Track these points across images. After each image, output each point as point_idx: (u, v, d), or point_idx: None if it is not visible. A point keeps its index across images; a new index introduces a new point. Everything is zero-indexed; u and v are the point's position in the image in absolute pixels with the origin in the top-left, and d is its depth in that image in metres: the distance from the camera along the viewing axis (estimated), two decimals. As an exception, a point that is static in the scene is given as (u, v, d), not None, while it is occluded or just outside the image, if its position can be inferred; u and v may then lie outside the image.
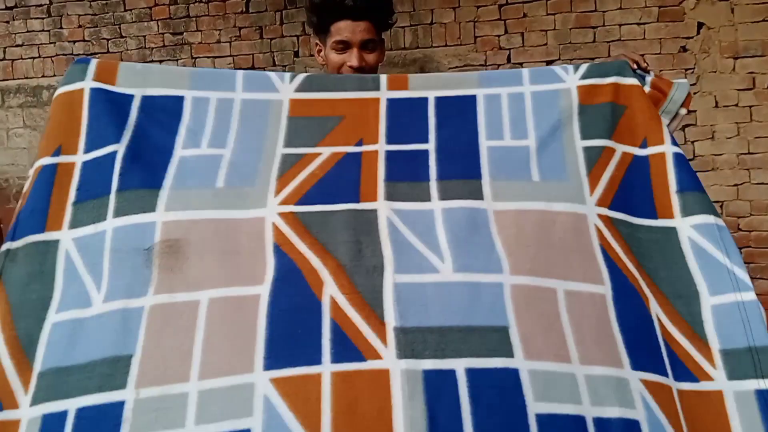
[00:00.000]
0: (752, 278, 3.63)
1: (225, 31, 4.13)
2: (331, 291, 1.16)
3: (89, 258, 1.23)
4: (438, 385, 1.06)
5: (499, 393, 1.08)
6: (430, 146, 1.39)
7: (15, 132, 4.49)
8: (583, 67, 1.50)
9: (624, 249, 1.27)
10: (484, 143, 1.40)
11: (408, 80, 1.49)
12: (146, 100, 1.42)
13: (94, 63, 1.44)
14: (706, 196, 1.34)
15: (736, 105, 3.57)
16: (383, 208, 1.27)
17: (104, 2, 4.29)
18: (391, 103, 1.45)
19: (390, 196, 1.29)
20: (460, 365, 1.08)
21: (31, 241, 1.26)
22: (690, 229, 1.30)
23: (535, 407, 1.07)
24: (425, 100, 1.46)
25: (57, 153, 1.34)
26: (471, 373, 1.08)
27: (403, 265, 1.19)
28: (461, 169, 1.36)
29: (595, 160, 1.37)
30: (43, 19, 4.40)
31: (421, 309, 1.14)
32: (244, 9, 4.09)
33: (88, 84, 1.40)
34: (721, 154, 3.61)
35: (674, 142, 1.40)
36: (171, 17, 4.21)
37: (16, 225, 1.28)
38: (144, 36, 4.25)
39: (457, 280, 1.19)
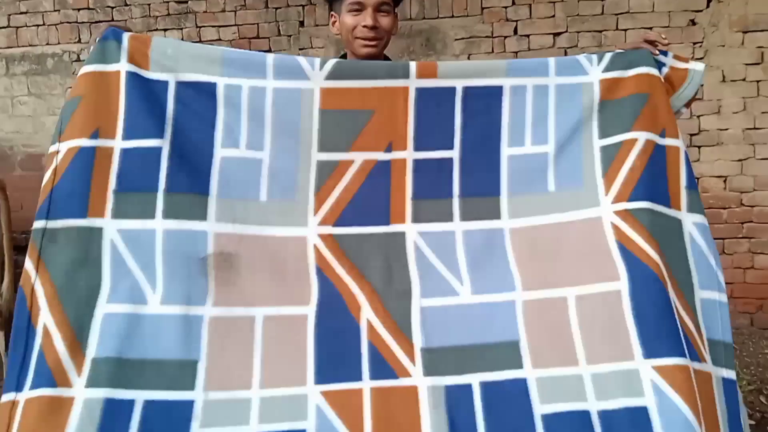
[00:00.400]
0: (754, 253, 3.66)
1: (230, 0, 4.10)
2: (367, 315, 1.35)
3: (140, 255, 1.31)
4: (457, 397, 1.27)
5: (508, 400, 1.27)
6: (455, 154, 1.49)
7: (19, 100, 4.49)
8: (607, 57, 1.53)
9: (645, 236, 1.36)
10: (506, 151, 1.50)
11: (437, 68, 1.51)
12: (180, 87, 1.45)
13: (126, 40, 1.44)
14: (699, 196, 1.47)
15: (744, 80, 3.56)
16: (410, 232, 1.43)
17: (109, -31, 4.26)
18: (420, 93, 1.49)
19: (416, 217, 1.44)
20: (475, 380, 1.29)
21: (72, 225, 1.31)
22: (691, 225, 1.42)
23: (540, 409, 1.26)
24: (453, 90, 1.50)
25: (95, 136, 1.37)
26: (484, 385, 1.29)
27: (428, 289, 1.38)
28: (482, 184, 1.48)
29: (613, 157, 1.45)
30: (47, -14, 4.37)
31: (443, 330, 1.34)
32: (249, -23, 4.05)
33: (124, 66, 1.42)
34: (726, 129, 3.60)
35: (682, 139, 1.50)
36: (176, -15, 4.18)
37: (50, 203, 1.32)
38: (149, 4, 4.22)
39: (475, 302, 1.37)
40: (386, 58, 1.84)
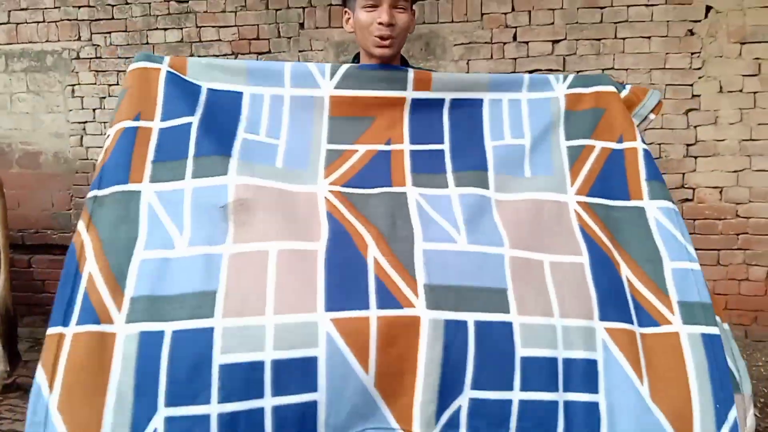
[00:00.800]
0: (749, 265, 3.67)
1: (231, 1, 4.11)
2: (373, 253, 1.47)
3: (171, 209, 1.50)
4: (454, 332, 1.40)
5: (496, 340, 1.42)
6: (446, 146, 1.70)
7: (18, 96, 4.49)
8: (570, 77, 1.80)
9: (600, 226, 1.61)
10: (489, 143, 1.72)
11: (431, 81, 1.71)
12: (211, 92, 1.68)
13: (166, 57, 1.70)
14: (665, 186, 1.68)
15: (741, 91, 3.57)
16: (411, 192, 1.60)
17: (110, -32, 4.26)
18: (414, 103, 1.71)
19: (416, 183, 1.62)
20: (471, 318, 1.42)
21: (116, 190, 1.51)
22: (656, 210, 1.63)
23: (521, 352, 1.42)
24: (442, 101, 1.74)
25: (137, 118, 1.60)
26: (478, 324, 1.42)
27: (429, 235, 1.52)
28: (472, 162, 1.68)
29: (576, 156, 1.71)
30: (48, -17, 4.38)
31: (443, 270, 1.46)
32: (250, -21, 4.06)
33: (164, 67, 1.68)
34: (723, 140, 3.61)
35: (643, 140, 1.72)
36: (176, -14, 4.18)
37: (101, 176, 1.53)
38: (149, 3, 4.23)
39: (470, 250, 1.51)
40: (404, 60, 1.89)
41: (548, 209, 1.63)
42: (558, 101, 1.77)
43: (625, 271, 1.55)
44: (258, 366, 1.32)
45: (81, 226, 1.48)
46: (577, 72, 3.68)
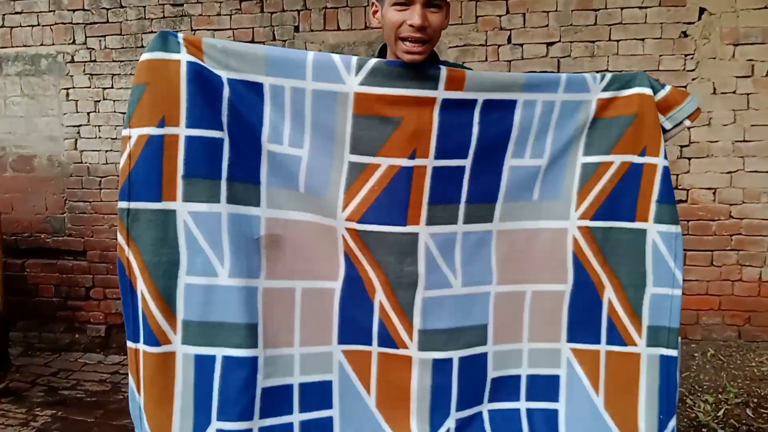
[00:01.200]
0: (742, 265, 3.68)
1: (225, 4, 4.11)
2: (380, 297, 1.65)
3: (209, 234, 1.55)
4: (440, 368, 1.64)
5: (474, 369, 1.68)
6: (467, 163, 1.64)
7: (12, 100, 4.48)
8: (608, 77, 1.68)
9: (594, 251, 1.69)
10: (508, 162, 1.67)
11: (465, 80, 1.58)
12: (232, 83, 1.56)
13: (182, 38, 1.55)
14: (675, 208, 1.68)
15: (734, 92, 3.58)
16: (423, 233, 1.63)
17: (104, -29, 4.26)
18: (445, 104, 1.59)
19: (429, 220, 1.63)
20: (455, 355, 1.65)
21: (150, 207, 1.52)
22: (656, 234, 1.65)
23: (492, 374, 1.70)
24: (474, 102, 1.61)
25: (162, 124, 1.52)
26: (461, 359, 1.66)
27: (430, 282, 1.64)
28: (484, 192, 1.67)
29: (589, 176, 1.69)
30: (42, -14, 4.37)
31: (437, 316, 1.64)
32: (245, -18, 4.06)
33: (184, 56, 1.53)
34: (716, 141, 3.63)
35: (665, 156, 1.66)
36: (171, -11, 4.18)
37: (130, 186, 1.52)
38: (144, 6, 4.23)
39: (463, 293, 1.67)
40: (435, 56, 1.72)
41: (545, 238, 1.70)
42: (589, 106, 1.67)
43: (609, 294, 1.68)
44: (289, 389, 1.62)
45: (121, 240, 1.53)
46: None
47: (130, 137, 1.52)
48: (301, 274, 1.65)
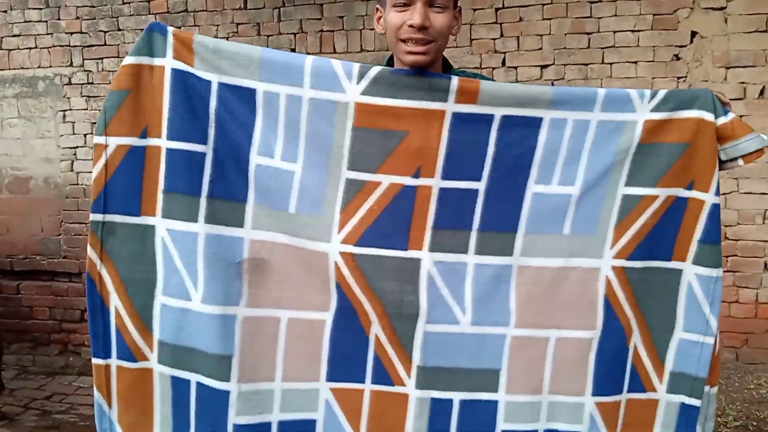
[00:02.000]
0: (738, 287, 3.67)
1: (222, 27, 4.15)
2: (376, 330, 1.49)
3: (185, 255, 1.45)
4: (439, 409, 1.49)
5: (479, 416, 1.50)
6: (482, 186, 1.46)
7: (9, 122, 4.50)
8: (660, 95, 1.45)
9: (627, 294, 1.51)
10: (532, 188, 1.47)
11: (478, 93, 1.40)
12: (222, 90, 1.44)
13: (171, 35, 1.43)
14: (719, 249, 1.50)
15: (727, 114, 3.61)
16: (426, 260, 1.47)
17: (102, -6, 4.31)
18: (456, 119, 1.41)
19: (433, 246, 1.47)
20: (457, 397, 1.49)
21: (128, 221, 1.45)
22: (693, 276, 1.50)
23: (502, 426, 1.50)
24: (491, 118, 1.43)
25: (144, 135, 1.44)
26: (463, 402, 1.50)
27: (433, 316, 1.48)
28: (502, 220, 1.48)
29: (630, 210, 1.48)
30: (40, 9, 4.41)
31: (439, 353, 1.48)
32: (242, 5, 4.11)
33: (169, 63, 1.42)
34: (710, 163, 3.64)
35: (717, 192, 1.47)
36: (169, 11, 4.22)
37: (105, 197, 1.43)
38: (141, 29, 4.24)
39: (472, 332, 1.49)
40: (446, 65, 1.60)
41: (574, 278, 1.50)
42: (634, 128, 1.45)
43: (635, 339, 1.52)
44: (265, 427, 1.49)
45: (93, 254, 1.44)
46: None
47: (106, 146, 1.41)
48: (287, 303, 1.49)
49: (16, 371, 4.45)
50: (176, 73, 1.42)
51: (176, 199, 1.44)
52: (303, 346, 1.50)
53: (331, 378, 1.50)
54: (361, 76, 1.41)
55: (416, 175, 1.44)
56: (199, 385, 1.46)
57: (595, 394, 1.50)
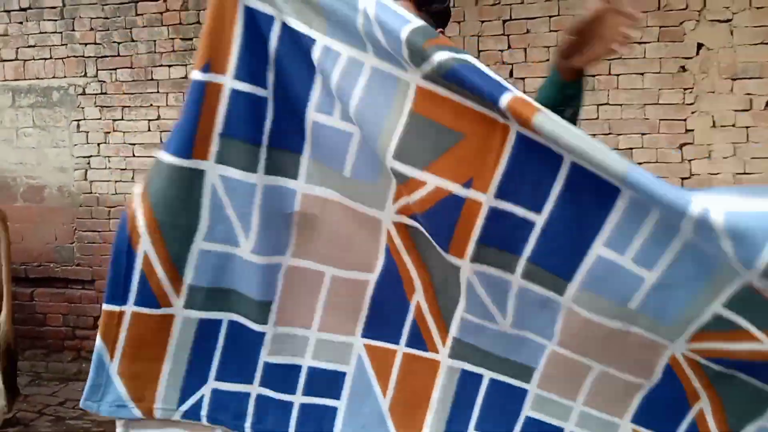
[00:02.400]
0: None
1: (233, 39, 4.20)
2: (418, 298, 1.43)
3: (238, 204, 1.39)
4: (468, 381, 1.41)
5: (506, 398, 1.39)
6: (540, 219, 1.23)
7: (24, 131, 4.58)
8: None
9: (704, 384, 1.30)
10: (598, 248, 1.21)
11: (532, 120, 1.13)
12: (283, 32, 1.32)
13: None
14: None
15: (733, 125, 3.63)
16: (465, 268, 1.31)
17: (116, 6, 4.38)
18: (522, 141, 1.20)
19: (476, 258, 1.28)
20: (487, 374, 1.40)
21: (177, 164, 1.35)
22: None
23: (528, 412, 1.38)
24: (560, 159, 1.19)
25: (206, 69, 1.32)
26: (492, 381, 1.40)
27: (471, 309, 1.37)
28: (557, 264, 1.26)
29: (716, 329, 1.22)
30: (55, 21, 4.49)
31: (477, 335, 1.40)
32: (252, 17, 4.17)
33: None
34: (717, 174, 3.67)
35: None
36: (181, 23, 4.29)
37: (170, 137, 1.38)
38: (154, 41, 4.33)
39: (512, 333, 1.37)
40: None
41: (633, 342, 1.26)
42: (742, 275, 1.13)
43: (702, 406, 1.29)
44: (296, 369, 1.46)
45: (137, 189, 1.39)
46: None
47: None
48: (334, 261, 1.44)
49: (29, 377, 4.51)
50: (248, 10, 1.31)
51: (235, 144, 1.35)
52: (343, 302, 1.47)
53: (366, 334, 1.47)
54: (423, 60, 1.20)
55: (467, 185, 1.24)
56: (232, 323, 1.44)
57: (635, 422, 1.33)
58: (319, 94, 1.34)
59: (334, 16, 1.28)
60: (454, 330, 1.40)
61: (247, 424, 1.46)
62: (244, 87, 1.33)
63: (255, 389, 1.46)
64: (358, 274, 1.45)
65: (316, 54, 1.30)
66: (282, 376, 1.47)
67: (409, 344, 1.45)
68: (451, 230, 1.29)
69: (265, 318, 1.44)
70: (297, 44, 1.31)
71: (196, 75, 1.33)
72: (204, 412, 1.45)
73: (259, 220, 1.39)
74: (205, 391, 1.45)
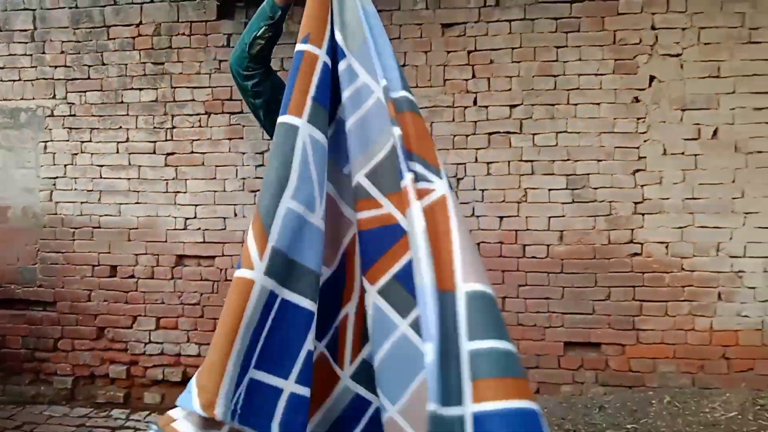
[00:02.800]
0: (695, 315, 3.83)
1: (205, 63, 4.28)
2: (348, 309, 1.59)
3: (319, 170, 1.46)
4: (356, 404, 1.56)
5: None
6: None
7: (-11, 152, 4.54)
8: None
9: None
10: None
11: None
12: (332, 38, 1.59)
13: None
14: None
15: (683, 153, 3.85)
16: (371, 295, 1.48)
17: (88, 30, 4.42)
18: None
19: (383, 291, 1.48)
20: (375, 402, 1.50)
21: (279, 120, 1.46)
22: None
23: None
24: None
25: (305, 40, 1.52)
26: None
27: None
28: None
29: None
30: (26, 43, 4.50)
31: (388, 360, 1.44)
32: (224, 43, 4.25)
33: None
34: (667, 198, 3.86)
35: None
36: (153, 47, 4.35)
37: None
38: (125, 64, 4.37)
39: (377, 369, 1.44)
40: None
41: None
42: None
43: None
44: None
45: None
46: (533, 134, 3.94)
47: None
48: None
49: (-13, 400, 4.41)
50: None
51: (321, 110, 1.49)
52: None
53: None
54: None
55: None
56: (283, 302, 1.37)
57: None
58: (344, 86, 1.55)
59: (360, 44, 1.53)
60: (365, 351, 1.51)
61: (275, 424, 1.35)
62: (329, 61, 1.54)
63: (290, 386, 1.37)
64: (325, 269, 1.54)
65: (342, 66, 1.54)
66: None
67: (326, 347, 1.55)
68: (377, 256, 1.45)
69: (316, 294, 1.40)
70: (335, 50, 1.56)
71: (298, 46, 1.51)
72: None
73: (325, 186, 1.48)
74: (245, 383, 1.33)
